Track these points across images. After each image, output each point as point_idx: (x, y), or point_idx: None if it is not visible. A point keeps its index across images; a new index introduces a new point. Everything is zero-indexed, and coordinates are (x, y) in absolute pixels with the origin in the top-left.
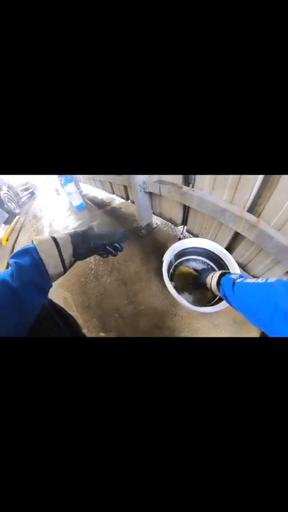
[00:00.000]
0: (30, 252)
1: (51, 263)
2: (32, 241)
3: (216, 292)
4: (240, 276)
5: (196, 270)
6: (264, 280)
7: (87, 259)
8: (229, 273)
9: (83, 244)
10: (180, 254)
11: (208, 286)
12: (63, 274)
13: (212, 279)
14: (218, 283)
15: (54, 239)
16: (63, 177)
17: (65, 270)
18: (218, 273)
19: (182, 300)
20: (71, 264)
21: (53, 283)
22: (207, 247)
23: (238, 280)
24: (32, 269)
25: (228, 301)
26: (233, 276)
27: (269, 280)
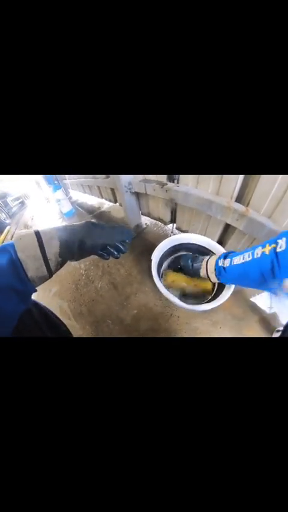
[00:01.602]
0: (8, 250)
1: (31, 264)
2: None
3: (214, 280)
4: (226, 257)
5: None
6: (250, 258)
7: (76, 263)
8: (217, 257)
9: (74, 242)
10: (170, 251)
11: (204, 275)
12: (48, 278)
13: (208, 268)
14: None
15: (38, 234)
16: (51, 185)
17: (50, 272)
18: (212, 261)
19: (175, 299)
20: (58, 265)
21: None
22: (197, 242)
23: (226, 264)
24: (8, 271)
25: (223, 282)
26: (220, 263)
27: (255, 255)
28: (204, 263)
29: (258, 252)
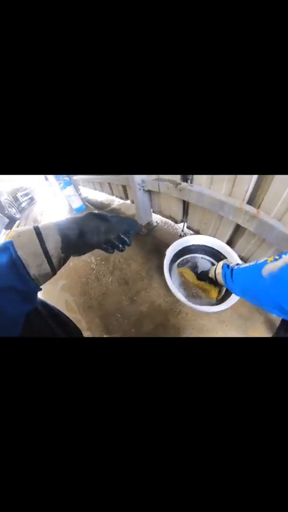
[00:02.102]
0: (8, 248)
1: (32, 261)
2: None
3: (222, 282)
4: (237, 264)
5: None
6: (254, 263)
7: (87, 258)
8: (228, 262)
9: (75, 235)
10: (182, 251)
11: (213, 277)
12: (52, 275)
13: (216, 271)
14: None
15: (37, 229)
16: (62, 181)
17: (54, 269)
18: (220, 264)
19: (184, 299)
20: (61, 261)
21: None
22: (209, 244)
23: (235, 267)
24: (8, 270)
25: (231, 290)
26: (230, 265)
27: (258, 262)
28: (219, 265)
29: (262, 259)
